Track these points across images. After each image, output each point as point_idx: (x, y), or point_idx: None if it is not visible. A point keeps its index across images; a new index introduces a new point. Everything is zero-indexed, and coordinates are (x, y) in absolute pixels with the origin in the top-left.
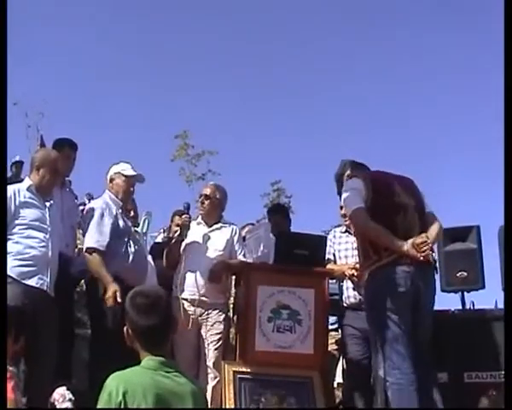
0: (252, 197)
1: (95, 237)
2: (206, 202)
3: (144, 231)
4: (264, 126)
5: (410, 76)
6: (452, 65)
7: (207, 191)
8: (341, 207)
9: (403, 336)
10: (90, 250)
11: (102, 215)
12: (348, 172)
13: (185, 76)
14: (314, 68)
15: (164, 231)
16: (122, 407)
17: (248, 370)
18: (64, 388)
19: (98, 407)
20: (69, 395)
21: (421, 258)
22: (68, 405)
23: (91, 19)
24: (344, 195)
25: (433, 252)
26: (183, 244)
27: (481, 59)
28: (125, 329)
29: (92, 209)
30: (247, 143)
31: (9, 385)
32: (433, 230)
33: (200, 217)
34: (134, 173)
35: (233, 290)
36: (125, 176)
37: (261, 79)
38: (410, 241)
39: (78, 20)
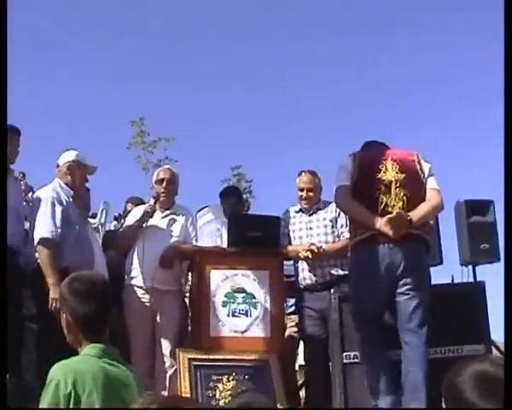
0: (212, 183)
1: (47, 226)
2: (169, 187)
3: (102, 221)
4: (222, 112)
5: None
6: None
7: (168, 175)
8: (301, 190)
9: (369, 314)
10: (44, 241)
11: (53, 204)
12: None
13: (141, 63)
14: (272, 53)
15: (115, 219)
16: (72, 398)
17: (204, 356)
18: None
19: (44, 400)
20: None
21: (393, 235)
22: None
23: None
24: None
25: (421, 227)
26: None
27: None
28: (63, 317)
29: (40, 198)
30: (205, 129)
31: None
32: (422, 207)
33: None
34: (91, 165)
35: (189, 276)
36: (82, 165)
37: (217, 64)
38: (385, 218)
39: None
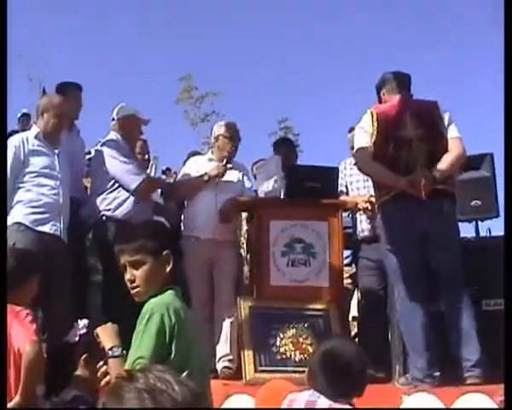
0: (259, 137)
1: (134, 174)
2: (237, 144)
3: (152, 175)
4: (268, 65)
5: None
6: None
7: (236, 133)
8: (353, 148)
9: (407, 270)
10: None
11: (116, 157)
12: (384, 91)
13: (187, 18)
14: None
15: (163, 173)
16: (175, 330)
17: (264, 305)
18: (86, 321)
19: (149, 329)
20: (84, 323)
21: (418, 195)
22: (82, 330)
23: None
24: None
25: (446, 181)
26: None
27: None
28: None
29: (102, 152)
30: (251, 82)
31: (32, 327)
32: (445, 160)
33: (211, 153)
34: (144, 117)
35: (244, 228)
36: (136, 118)
37: (265, 16)
38: (407, 178)
39: None
